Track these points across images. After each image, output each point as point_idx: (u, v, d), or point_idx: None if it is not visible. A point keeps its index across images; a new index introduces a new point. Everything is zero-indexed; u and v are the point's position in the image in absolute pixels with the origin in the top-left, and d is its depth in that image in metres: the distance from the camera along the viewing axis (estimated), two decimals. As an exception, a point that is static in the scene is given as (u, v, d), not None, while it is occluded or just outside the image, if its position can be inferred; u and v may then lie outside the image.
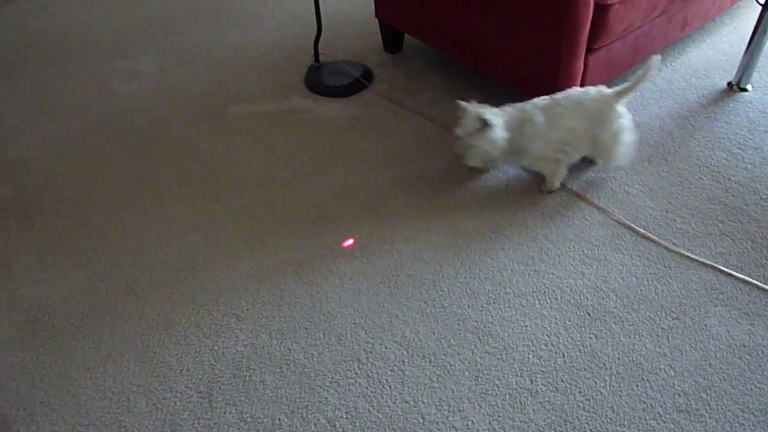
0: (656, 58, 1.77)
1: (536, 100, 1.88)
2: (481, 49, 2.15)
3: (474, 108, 1.82)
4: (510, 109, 1.87)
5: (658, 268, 1.72)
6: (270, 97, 2.42)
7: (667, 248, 1.77)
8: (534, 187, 1.98)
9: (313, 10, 2.45)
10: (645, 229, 1.83)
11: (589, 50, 1.96)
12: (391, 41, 2.61)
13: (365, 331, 1.60)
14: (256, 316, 1.65)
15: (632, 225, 1.85)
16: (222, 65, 2.62)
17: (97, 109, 2.41)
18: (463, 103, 1.84)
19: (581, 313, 1.62)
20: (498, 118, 1.82)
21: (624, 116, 1.86)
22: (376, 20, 2.59)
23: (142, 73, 2.61)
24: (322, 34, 2.50)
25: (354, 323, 1.62)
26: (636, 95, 2.26)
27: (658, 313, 1.62)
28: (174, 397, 1.49)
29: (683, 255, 1.75)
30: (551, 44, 1.91)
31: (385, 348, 1.56)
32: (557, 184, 1.96)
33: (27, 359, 1.59)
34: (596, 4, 1.86)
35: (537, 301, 1.66)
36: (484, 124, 1.79)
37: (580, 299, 1.66)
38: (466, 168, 2.06)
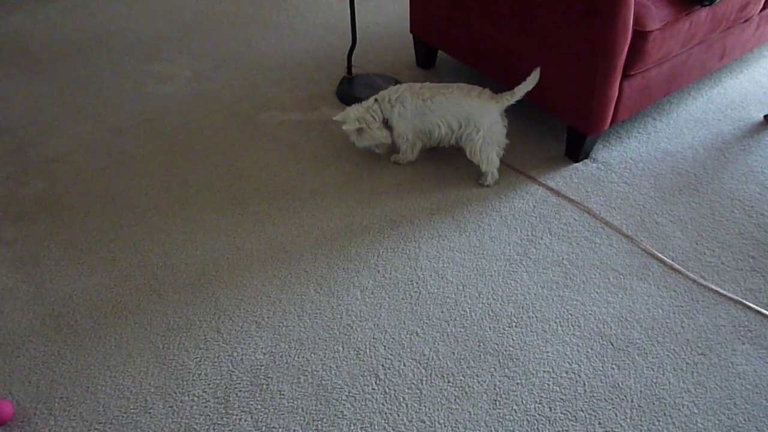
0: (537, 70, 1.91)
1: (420, 85, 2.02)
2: (515, 70, 2.15)
3: (351, 115, 2.01)
4: (386, 94, 2.03)
5: (685, 301, 1.70)
6: (301, 107, 2.44)
7: (695, 281, 1.74)
8: (562, 212, 1.96)
9: (349, 23, 2.47)
10: (673, 261, 1.80)
11: (625, 76, 1.95)
12: (425, 57, 2.61)
13: (384, 346, 1.60)
14: (276, 325, 1.65)
15: (660, 255, 1.82)
16: (255, 72, 2.65)
17: (131, 110, 2.45)
18: (338, 117, 2.04)
19: (604, 343, 1.60)
20: (371, 118, 2.01)
21: (499, 122, 1.97)
22: (411, 35, 2.60)
23: (177, 77, 2.64)
24: (357, 46, 2.51)
25: (373, 338, 1.62)
26: (676, 123, 2.24)
27: (684, 347, 1.59)
28: (191, 401, 1.49)
29: (711, 289, 1.72)
30: (586, 69, 1.90)
31: (404, 365, 1.55)
32: (405, 160, 2.14)
33: (49, 353, 1.60)
34: (635, 31, 1.85)
35: (560, 327, 1.64)
36: (361, 129, 2.01)
37: (604, 328, 1.63)
38: (493, 189, 2.05)
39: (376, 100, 2.03)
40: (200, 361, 1.58)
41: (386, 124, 2.04)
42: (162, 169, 2.16)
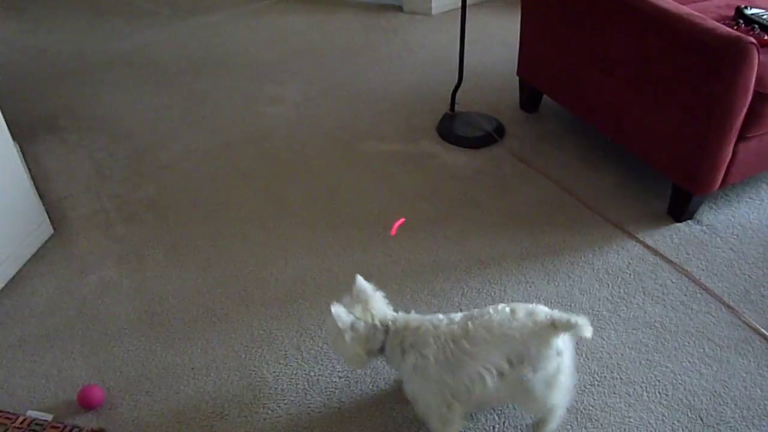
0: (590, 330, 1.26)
1: (448, 319, 1.36)
2: (620, 121, 2.10)
3: (344, 316, 1.34)
4: (401, 326, 1.36)
5: (788, 384, 1.58)
6: (401, 139, 2.49)
7: (801, 364, 1.62)
8: (659, 272, 1.88)
9: (456, 60, 2.51)
10: (778, 338, 1.68)
11: (741, 138, 1.86)
12: (529, 100, 2.60)
13: (459, 387, 1.58)
14: (354, 350, 1.67)
15: (764, 331, 1.70)
16: (360, 102, 2.73)
17: (242, 126, 2.59)
18: (335, 310, 1.34)
19: (693, 416, 1.51)
20: (364, 335, 1.35)
21: (563, 352, 1.31)
22: (517, 78, 2.60)
23: (287, 99, 2.77)
24: (462, 84, 2.54)
25: (449, 377, 1.60)
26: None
27: (783, 433, 1.47)
28: (265, 413, 1.53)
29: (820, 375, 1.59)
30: (699, 127, 1.83)
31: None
32: None
33: (141, 348, 1.70)
34: (756, 93, 1.77)
35: (645, 393, 1.56)
36: (342, 333, 1.33)
37: (694, 401, 1.54)
38: (587, 241, 2.00)
39: (386, 328, 1.37)
40: (278, 375, 1.62)
41: (380, 352, 1.39)
42: (264, 185, 2.26)
